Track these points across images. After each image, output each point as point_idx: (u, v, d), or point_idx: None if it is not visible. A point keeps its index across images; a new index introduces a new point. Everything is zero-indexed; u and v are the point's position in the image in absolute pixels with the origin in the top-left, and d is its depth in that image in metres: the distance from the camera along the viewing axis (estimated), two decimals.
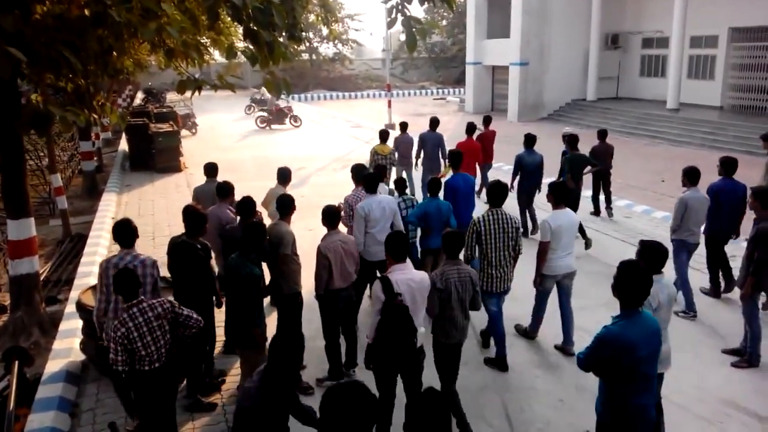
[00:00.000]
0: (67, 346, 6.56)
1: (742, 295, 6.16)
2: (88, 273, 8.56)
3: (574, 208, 8.94)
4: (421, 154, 11.68)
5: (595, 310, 6.91)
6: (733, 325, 6.63)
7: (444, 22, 46.40)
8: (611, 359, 3.67)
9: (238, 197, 6.32)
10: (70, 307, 7.21)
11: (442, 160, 11.51)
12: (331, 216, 5.57)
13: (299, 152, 18.82)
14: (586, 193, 11.29)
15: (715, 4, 21.67)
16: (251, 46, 5.24)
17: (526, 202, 10.20)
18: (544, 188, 7.77)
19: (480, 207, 7.84)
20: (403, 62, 46.47)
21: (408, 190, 8.49)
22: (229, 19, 6.68)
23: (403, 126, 12.14)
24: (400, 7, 4.81)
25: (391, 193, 7.60)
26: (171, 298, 4.82)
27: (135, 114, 20.06)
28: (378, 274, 5.66)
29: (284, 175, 7.51)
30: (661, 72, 25.17)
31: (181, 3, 5.83)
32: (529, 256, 6.57)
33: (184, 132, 21.42)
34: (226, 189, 6.82)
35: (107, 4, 4.67)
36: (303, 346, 3.56)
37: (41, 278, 7.83)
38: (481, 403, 5.55)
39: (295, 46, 6.99)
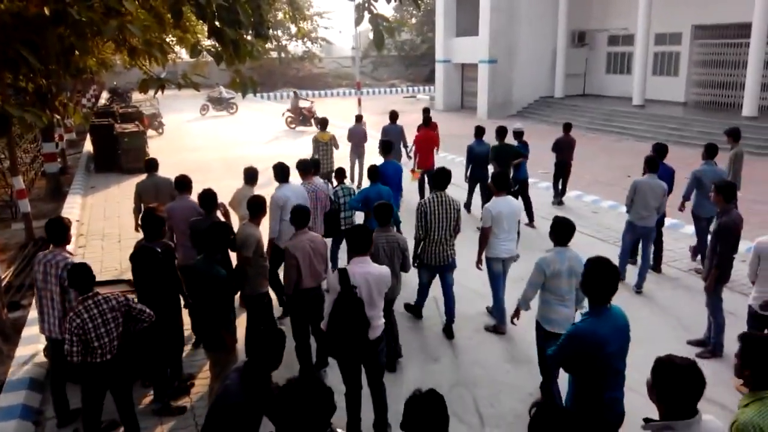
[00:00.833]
0: (31, 352, 6.40)
1: (706, 288, 6.29)
2: None
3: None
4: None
5: None
6: (697, 316, 6.78)
7: (413, 20, 46.46)
8: (582, 355, 3.70)
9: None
10: (33, 313, 7.04)
11: (403, 149, 12.68)
12: (299, 215, 5.52)
13: (267, 151, 18.63)
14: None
15: (679, 2, 22.12)
16: (216, 44, 5.17)
17: (477, 188, 11.01)
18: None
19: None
20: (373, 60, 46.40)
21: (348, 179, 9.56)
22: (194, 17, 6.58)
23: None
24: (367, 4, 4.79)
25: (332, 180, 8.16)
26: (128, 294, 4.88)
27: (100, 114, 19.67)
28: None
29: (251, 176, 7.46)
30: (627, 69, 25.61)
31: (146, 1, 5.73)
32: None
33: (150, 132, 21.15)
34: (184, 183, 6.88)
35: (66, 2, 4.56)
36: (283, 342, 3.52)
37: (3, 283, 7.63)
38: (451, 399, 5.51)
39: (263, 45, 6.92)
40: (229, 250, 5.66)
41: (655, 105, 22.55)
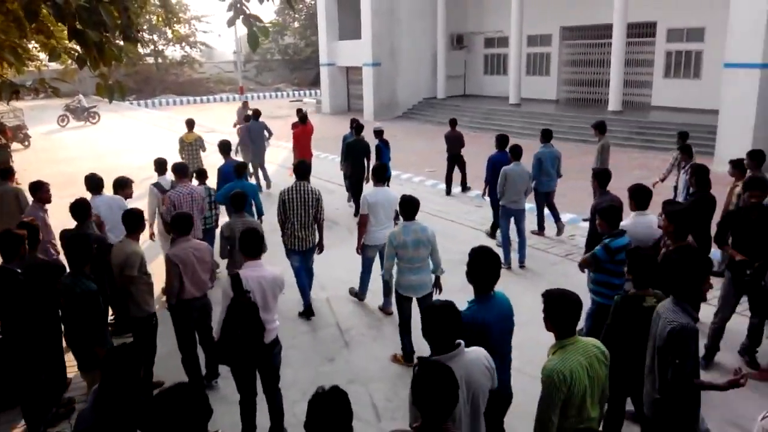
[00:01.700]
0: None
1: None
2: None
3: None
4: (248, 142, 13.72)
5: (452, 295, 7.18)
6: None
7: (296, 24, 46.18)
8: (468, 341, 3.83)
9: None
10: None
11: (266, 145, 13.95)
12: (180, 222, 5.30)
13: (144, 161, 17.73)
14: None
15: (548, 4, 23.51)
16: (78, 47, 4.86)
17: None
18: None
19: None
20: (257, 64, 45.68)
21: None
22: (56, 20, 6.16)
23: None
24: (239, 5, 4.70)
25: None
26: None
27: None
28: None
29: (122, 185, 7.14)
30: (503, 70, 26.88)
31: (2, 4, 5.29)
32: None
33: (15, 145, 19.63)
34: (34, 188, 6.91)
35: None
36: (142, 359, 3.31)
37: None
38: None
39: (134, 49, 6.61)
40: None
41: (530, 103, 23.82)
